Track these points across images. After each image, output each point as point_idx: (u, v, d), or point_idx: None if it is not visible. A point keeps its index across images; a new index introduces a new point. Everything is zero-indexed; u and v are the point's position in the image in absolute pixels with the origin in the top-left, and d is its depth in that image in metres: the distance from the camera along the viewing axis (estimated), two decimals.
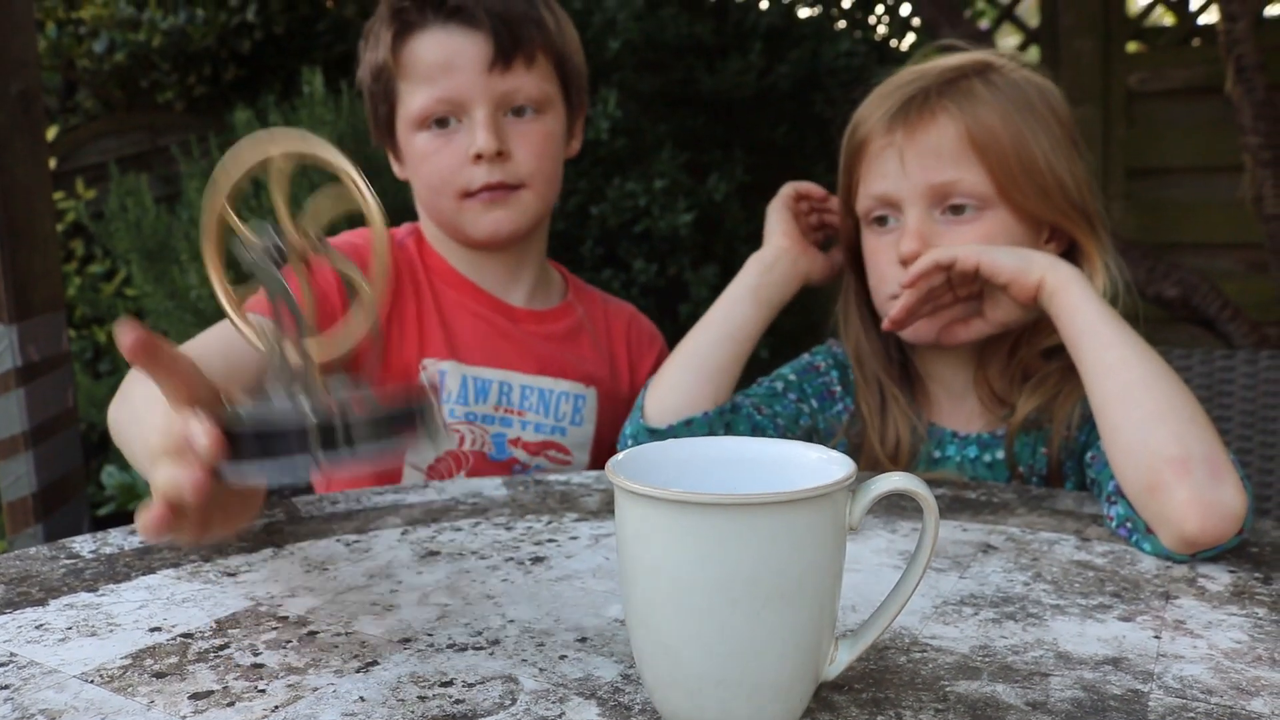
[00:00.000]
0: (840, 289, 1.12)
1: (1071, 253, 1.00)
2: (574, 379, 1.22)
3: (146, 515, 0.57)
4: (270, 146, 0.59)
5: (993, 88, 0.97)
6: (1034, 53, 3.37)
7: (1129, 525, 0.81)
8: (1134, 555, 0.79)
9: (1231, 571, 0.75)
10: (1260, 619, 0.66)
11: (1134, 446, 0.81)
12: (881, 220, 1.02)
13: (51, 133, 3.43)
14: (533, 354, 1.22)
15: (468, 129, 1.16)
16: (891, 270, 0.99)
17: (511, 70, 1.16)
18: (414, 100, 1.17)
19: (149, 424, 0.70)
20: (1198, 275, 2.14)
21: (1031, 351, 1.01)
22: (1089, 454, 0.94)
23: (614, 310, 1.33)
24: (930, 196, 0.97)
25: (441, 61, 1.16)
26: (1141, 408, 0.81)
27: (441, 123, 1.17)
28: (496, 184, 1.16)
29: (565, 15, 1.23)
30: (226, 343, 1.03)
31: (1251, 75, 1.91)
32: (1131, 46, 3.21)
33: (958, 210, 0.96)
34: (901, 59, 3.51)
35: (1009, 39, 3.90)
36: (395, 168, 1.26)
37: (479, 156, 1.15)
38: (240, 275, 0.60)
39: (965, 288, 0.97)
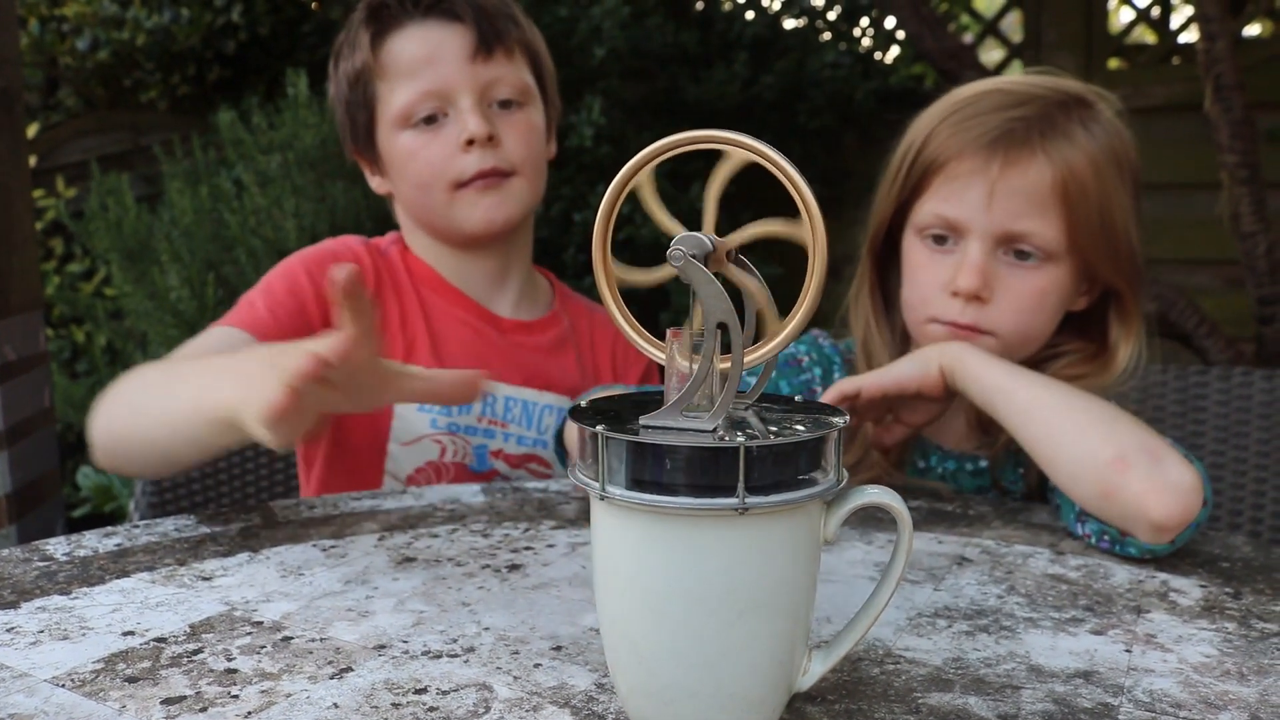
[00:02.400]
0: (854, 278, 1.10)
1: (1104, 302, 0.99)
2: (558, 392, 1.22)
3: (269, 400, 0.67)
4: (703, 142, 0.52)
5: (1090, 135, 0.95)
6: (1017, 68, 3.39)
7: (1107, 538, 0.82)
8: (1107, 569, 0.80)
9: (1202, 586, 0.76)
10: (1230, 633, 0.67)
11: (1074, 467, 0.83)
12: (940, 239, 0.98)
13: (32, 130, 3.41)
14: (518, 365, 1.21)
15: (455, 120, 1.16)
16: (939, 296, 0.97)
17: (493, 59, 1.17)
18: (397, 98, 1.17)
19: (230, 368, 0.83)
20: (1175, 291, 2.15)
21: None
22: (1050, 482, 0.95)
23: (600, 320, 1.32)
24: (1002, 238, 0.95)
25: (424, 55, 1.16)
26: (1066, 431, 0.85)
27: (428, 120, 1.16)
28: (490, 169, 1.16)
29: (529, 19, 1.25)
30: (221, 349, 1.05)
31: (1229, 94, 1.93)
32: (1113, 63, 3.24)
33: (1022, 255, 0.95)
34: (886, 72, 3.54)
35: (992, 53, 3.93)
36: (373, 181, 1.25)
37: (470, 143, 1.15)
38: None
39: (874, 411, 0.96)
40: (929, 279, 0.98)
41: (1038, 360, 0.99)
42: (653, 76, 2.75)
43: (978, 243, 0.94)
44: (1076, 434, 0.84)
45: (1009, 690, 0.59)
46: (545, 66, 1.25)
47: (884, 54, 3.53)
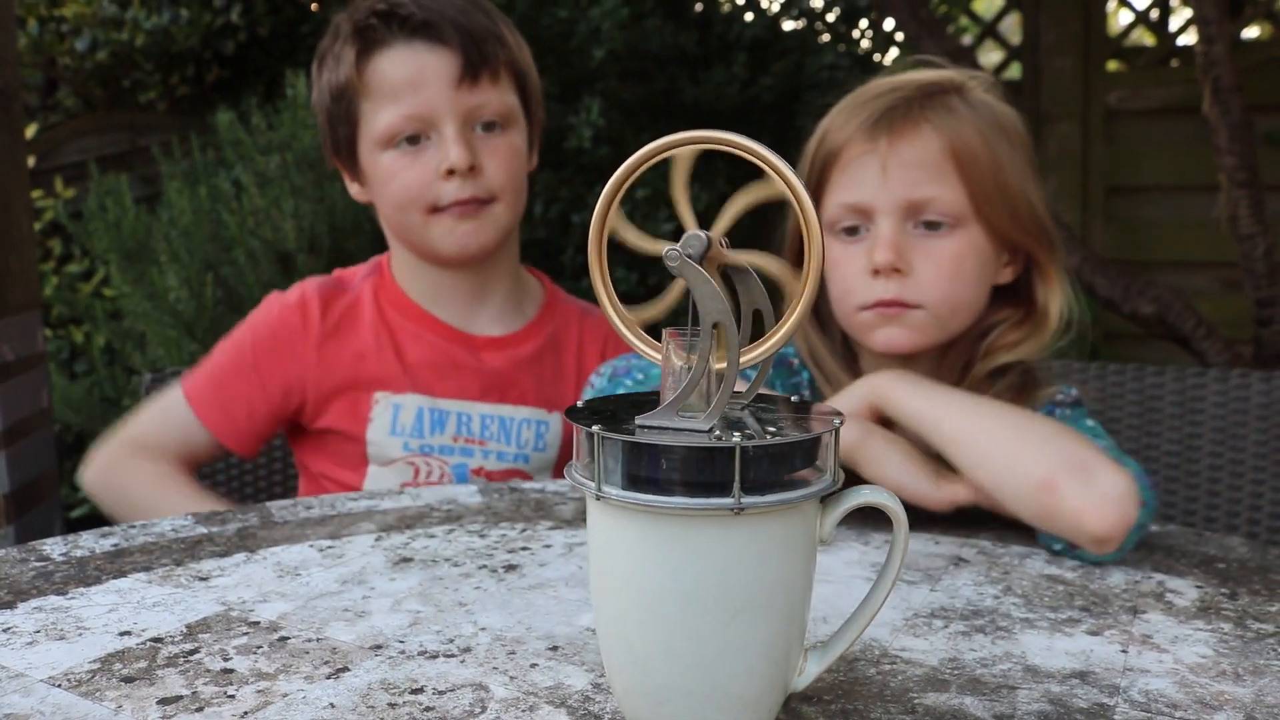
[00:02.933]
0: None
1: (1028, 272, 1.01)
2: (535, 405, 1.22)
3: None
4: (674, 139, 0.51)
5: (970, 106, 0.98)
6: (1015, 69, 3.40)
7: (1058, 545, 0.83)
8: (1103, 570, 0.80)
9: (1198, 587, 0.76)
10: (1225, 634, 0.67)
11: (1009, 491, 0.85)
12: (851, 230, 1.00)
13: (31, 130, 3.41)
14: (492, 383, 1.22)
15: (437, 145, 1.16)
16: (860, 281, 0.98)
17: (479, 85, 1.17)
18: (380, 119, 1.17)
19: None
20: (1173, 293, 2.16)
21: (984, 369, 1.01)
22: None
23: (591, 326, 1.31)
24: (907, 209, 0.96)
25: (409, 78, 1.16)
26: (994, 459, 0.86)
27: (410, 140, 1.17)
28: (468, 199, 1.16)
29: (518, 33, 1.25)
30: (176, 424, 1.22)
31: (1228, 97, 1.93)
32: (1111, 65, 3.24)
33: (932, 226, 0.96)
34: (884, 73, 3.54)
35: (991, 55, 3.93)
36: (352, 189, 1.26)
37: (451, 172, 1.15)
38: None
39: None
40: (848, 270, 0.99)
41: (973, 334, 0.99)
42: (651, 78, 2.75)
43: (885, 219, 0.95)
44: (1004, 460, 0.85)
45: (1005, 690, 0.59)
46: (531, 83, 1.25)
47: (883, 56, 3.54)
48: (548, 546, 0.83)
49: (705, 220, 0.53)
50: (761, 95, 2.75)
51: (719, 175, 2.51)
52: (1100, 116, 3.12)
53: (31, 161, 3.30)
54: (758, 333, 0.53)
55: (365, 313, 1.23)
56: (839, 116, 1.02)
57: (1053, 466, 0.82)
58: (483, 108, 1.17)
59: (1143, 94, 3.08)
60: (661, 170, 0.54)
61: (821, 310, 1.06)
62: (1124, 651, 0.64)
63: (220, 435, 1.21)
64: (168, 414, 1.23)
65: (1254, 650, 0.65)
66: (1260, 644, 0.66)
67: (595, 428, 0.49)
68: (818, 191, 1.03)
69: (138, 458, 1.20)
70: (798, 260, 0.47)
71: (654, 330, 0.53)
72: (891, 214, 0.96)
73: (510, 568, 0.78)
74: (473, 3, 1.20)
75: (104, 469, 1.23)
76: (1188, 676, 0.61)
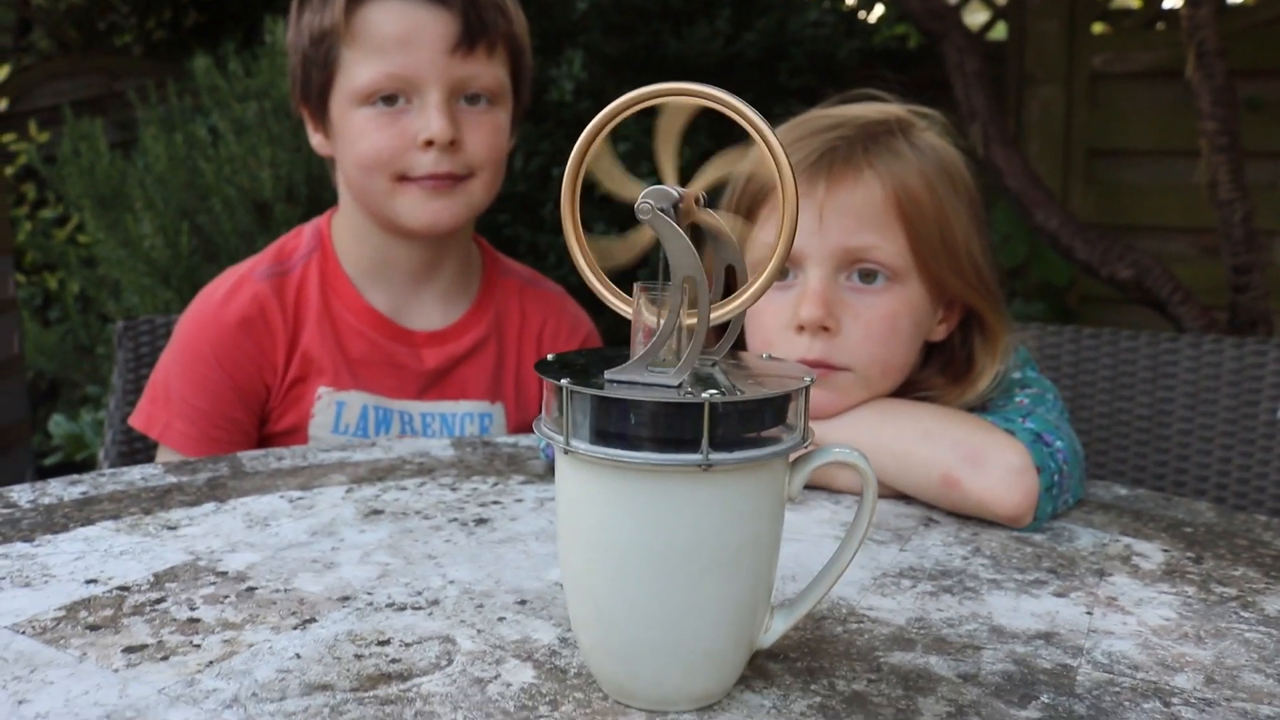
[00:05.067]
0: None
1: (968, 322, 0.95)
2: (477, 398, 1.19)
3: None
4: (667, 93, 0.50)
5: (916, 149, 0.91)
6: (1000, 30, 3.38)
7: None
8: (1071, 532, 0.80)
9: (1165, 550, 0.77)
10: (1190, 597, 0.68)
11: (922, 493, 0.85)
12: (779, 274, 0.92)
13: (3, 72, 3.35)
14: (432, 381, 1.18)
15: (418, 110, 1.10)
16: (783, 336, 0.89)
17: (473, 55, 1.11)
18: (361, 73, 1.10)
19: None
20: (1151, 258, 2.16)
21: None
22: None
23: (532, 304, 1.26)
24: (842, 258, 0.88)
25: (400, 34, 1.09)
26: (890, 471, 0.86)
27: (388, 100, 1.10)
28: (444, 174, 1.10)
29: (521, 8, 1.19)
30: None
31: (1211, 61, 1.93)
32: (1097, 28, 3.23)
33: (868, 277, 0.88)
34: (869, 31, 3.50)
35: (977, 15, 3.91)
36: (315, 139, 1.19)
37: (429, 143, 1.09)
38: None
39: None
40: (770, 319, 0.90)
41: (901, 395, 0.94)
42: (634, 31, 2.72)
43: (816, 269, 0.87)
44: (901, 469, 0.85)
45: (970, 650, 0.59)
46: (525, 63, 1.19)
47: (868, 13, 3.51)
48: (519, 501, 0.83)
49: (685, 176, 0.52)
50: (745, 51, 2.72)
51: (700, 131, 2.49)
52: (1085, 79, 3.11)
53: (4, 104, 3.24)
54: (731, 289, 0.53)
55: (310, 298, 1.16)
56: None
57: (946, 462, 0.82)
58: (473, 80, 1.12)
59: (1127, 57, 3.07)
60: (644, 124, 0.53)
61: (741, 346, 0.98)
62: (1089, 613, 0.65)
63: (197, 447, 1.13)
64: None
65: (1216, 613, 0.65)
66: (1223, 607, 0.66)
67: (564, 381, 0.49)
68: (751, 210, 0.94)
69: None
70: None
71: (624, 284, 0.53)
72: (824, 264, 0.87)
73: (481, 521, 0.78)
74: None
75: None
76: (1150, 638, 0.61)
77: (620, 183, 0.52)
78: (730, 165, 0.52)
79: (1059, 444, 0.84)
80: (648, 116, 0.51)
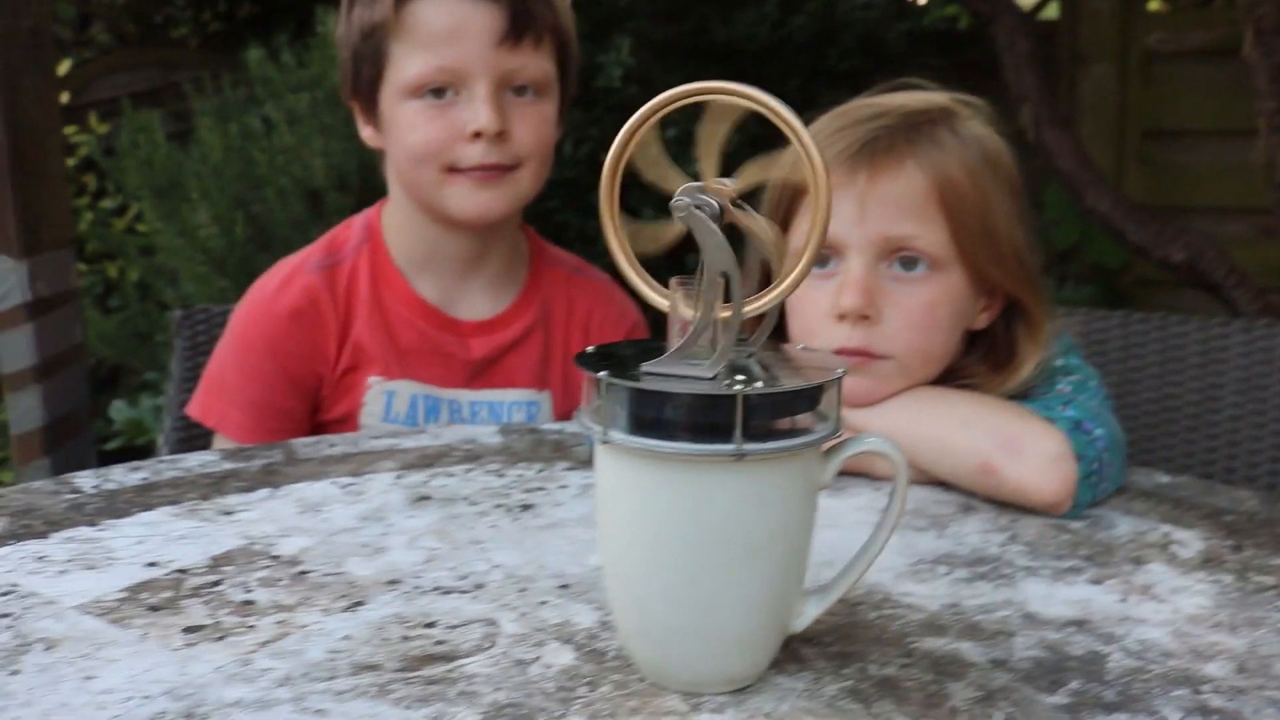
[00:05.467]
0: None
1: (1010, 310, 0.95)
2: (524, 386, 1.21)
3: None
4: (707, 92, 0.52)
5: (959, 139, 0.90)
6: (1053, 9, 3.33)
7: None
8: (1110, 520, 0.80)
9: (1204, 539, 0.77)
10: (1226, 585, 0.68)
11: (961, 481, 0.85)
12: (820, 261, 0.90)
13: (64, 66, 3.43)
14: (479, 370, 1.20)
15: (466, 102, 1.12)
16: (824, 325, 0.89)
17: (520, 47, 1.12)
18: (410, 66, 1.12)
19: None
20: (1205, 240, 2.13)
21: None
22: None
23: (579, 292, 1.27)
24: (883, 246, 0.88)
25: (449, 28, 1.11)
26: (926, 459, 0.86)
27: (437, 92, 1.12)
28: (492, 165, 1.12)
29: (566, 1, 1.20)
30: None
31: (1270, 39, 1.89)
32: (1153, 5, 3.18)
33: (909, 265, 0.88)
34: (919, 13, 3.46)
35: None
36: (364, 132, 1.21)
37: (478, 135, 1.11)
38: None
39: None
40: (811, 307, 0.90)
41: (940, 379, 0.93)
42: (682, 17, 2.72)
43: (857, 257, 0.88)
44: (939, 457, 0.86)
45: (1002, 636, 0.60)
46: (571, 55, 1.20)
47: None
48: (563, 487, 0.85)
49: (731, 165, 0.53)
50: (793, 35, 2.72)
51: (749, 117, 2.49)
52: (1139, 58, 3.06)
53: (66, 98, 3.32)
54: (767, 283, 0.54)
55: (361, 288, 1.19)
56: (816, 140, 0.94)
57: (984, 450, 0.83)
58: (520, 71, 1.13)
59: (1183, 35, 3.02)
60: (692, 111, 0.54)
61: (783, 336, 0.98)
62: (1123, 601, 0.65)
63: (258, 432, 1.16)
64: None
65: (1253, 602, 0.65)
66: (1260, 596, 0.66)
67: (602, 373, 0.51)
68: (787, 218, 0.94)
69: None
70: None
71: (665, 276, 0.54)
72: (864, 252, 0.88)
73: (526, 507, 0.80)
74: None
75: None
76: (1184, 626, 0.62)
77: (663, 174, 0.54)
78: (765, 171, 0.53)
79: (1099, 432, 0.84)
80: (688, 109, 0.53)
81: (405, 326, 1.19)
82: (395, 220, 1.22)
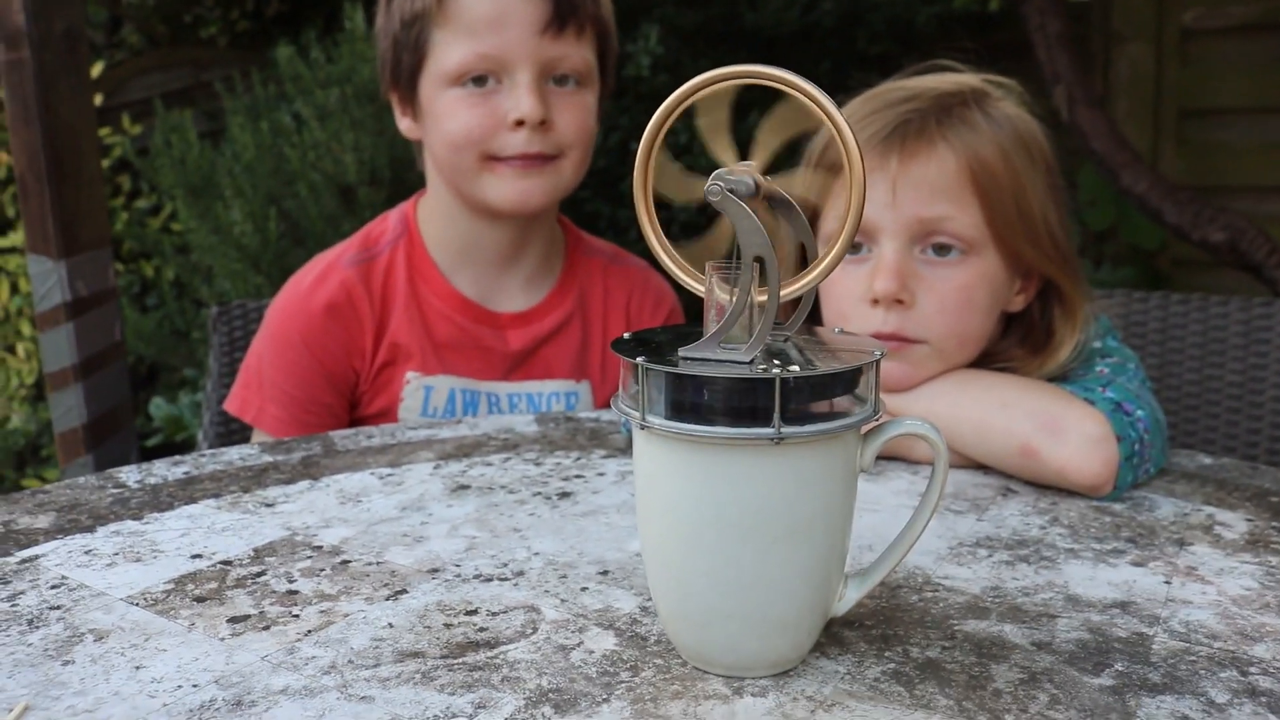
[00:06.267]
0: None
1: (1047, 293, 0.94)
2: (563, 377, 1.21)
3: None
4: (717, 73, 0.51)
5: (991, 120, 0.90)
6: None
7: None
8: (1152, 502, 0.80)
9: (1249, 520, 0.76)
10: (1273, 567, 0.67)
11: (1000, 463, 0.85)
12: (854, 247, 0.89)
13: (97, 69, 3.46)
14: (518, 362, 1.20)
15: (508, 91, 1.12)
16: (857, 309, 0.89)
17: (562, 36, 1.12)
18: (452, 53, 1.12)
19: None
20: (1245, 220, 2.10)
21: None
22: None
23: (616, 280, 1.28)
24: (916, 230, 0.88)
25: (491, 15, 1.11)
26: (968, 441, 0.86)
27: (479, 80, 1.12)
28: (535, 154, 1.12)
29: None
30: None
31: None
32: None
33: (942, 250, 0.88)
34: None
35: None
36: (402, 123, 1.21)
37: (520, 123, 1.11)
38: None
39: None
40: (844, 291, 0.90)
41: (977, 362, 0.93)
42: (709, 3, 2.71)
43: (891, 241, 0.87)
44: (979, 440, 0.85)
45: (1045, 619, 0.60)
46: (611, 46, 1.20)
47: None
48: (601, 474, 0.85)
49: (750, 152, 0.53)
50: (822, 20, 2.70)
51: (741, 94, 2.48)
52: (1175, 36, 3.02)
53: (99, 99, 3.35)
54: (804, 265, 0.54)
55: (397, 283, 1.19)
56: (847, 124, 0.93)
57: (1024, 434, 0.82)
58: (561, 60, 1.13)
59: (1221, 12, 2.97)
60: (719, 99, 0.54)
61: (816, 320, 0.98)
62: (1167, 583, 0.65)
63: (293, 427, 1.18)
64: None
65: None
66: None
67: (640, 359, 0.51)
68: (818, 205, 0.94)
69: None
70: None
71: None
72: (898, 236, 0.88)
73: (564, 495, 0.80)
74: None
75: None
76: (1230, 608, 0.61)
77: (679, 187, 0.54)
78: (780, 130, 0.52)
79: (1140, 413, 0.83)
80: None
81: (442, 321, 1.19)
82: (432, 213, 1.22)
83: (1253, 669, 0.54)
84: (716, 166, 0.52)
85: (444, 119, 1.14)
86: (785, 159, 0.52)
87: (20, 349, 3.32)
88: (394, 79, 1.19)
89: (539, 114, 1.11)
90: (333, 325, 1.17)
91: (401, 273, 1.20)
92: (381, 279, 1.19)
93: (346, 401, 1.20)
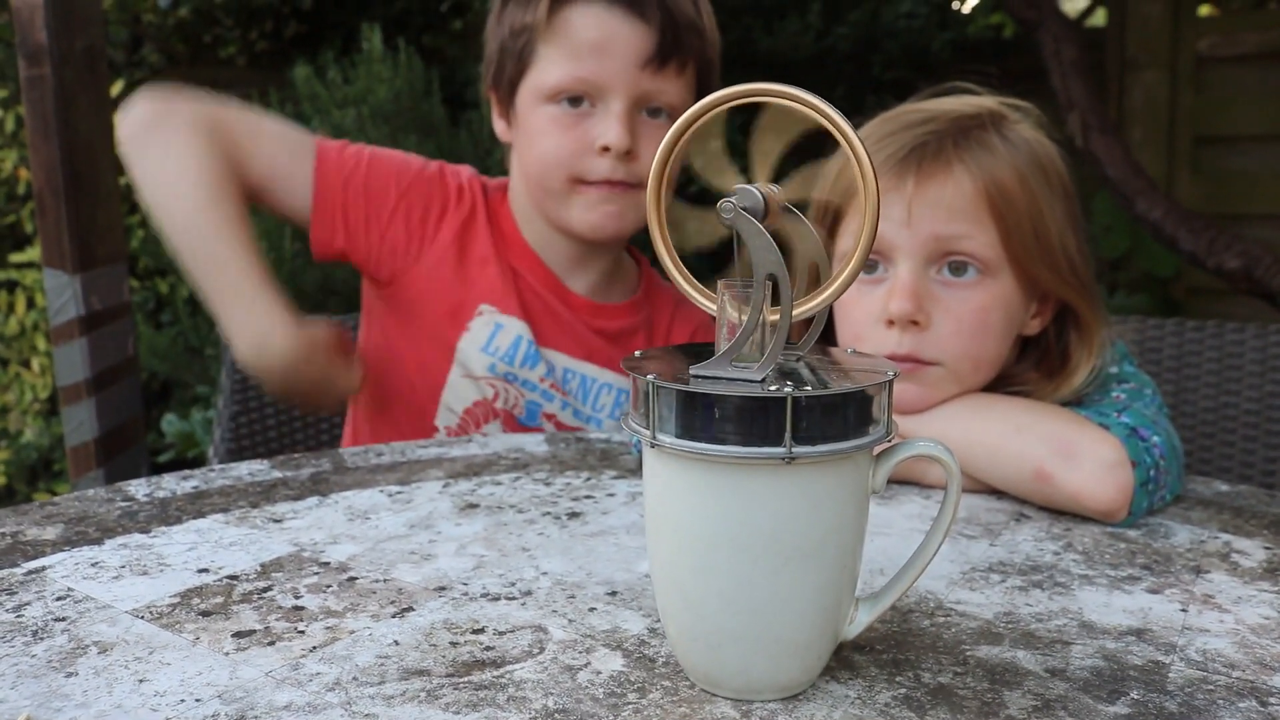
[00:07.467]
0: None
1: (1063, 317, 0.94)
2: (619, 372, 1.21)
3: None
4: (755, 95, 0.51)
5: (1008, 143, 0.89)
6: (1101, 15, 3.29)
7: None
8: (1168, 529, 0.79)
9: (1267, 548, 0.75)
10: None
11: (1014, 488, 0.85)
12: (869, 267, 0.90)
13: (117, 87, 3.49)
14: (581, 342, 1.21)
15: (601, 117, 1.13)
16: (873, 330, 0.88)
17: (663, 72, 1.13)
18: (552, 71, 1.13)
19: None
20: (1261, 247, 2.09)
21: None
22: None
23: (682, 317, 1.29)
24: (933, 249, 0.87)
25: (596, 41, 1.12)
26: (981, 465, 0.85)
27: (574, 101, 1.13)
28: (618, 181, 1.13)
29: (715, 26, 1.20)
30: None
31: None
32: (1204, 10, 3.13)
33: (958, 270, 0.87)
34: (963, 22, 3.44)
35: (1075, 1, 3.81)
36: (498, 126, 1.23)
37: (606, 149, 1.12)
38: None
39: None
40: (859, 313, 0.90)
41: (991, 385, 0.93)
42: (725, 28, 2.72)
43: (907, 261, 0.87)
44: (992, 464, 0.85)
45: (1059, 645, 0.59)
46: (711, 87, 1.18)
47: (961, 3, 3.45)
48: (611, 495, 0.85)
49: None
50: (837, 45, 2.71)
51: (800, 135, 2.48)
52: (1189, 64, 3.02)
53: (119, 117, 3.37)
54: (816, 285, 0.53)
55: (482, 216, 1.21)
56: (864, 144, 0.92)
57: (1038, 459, 0.82)
58: (657, 94, 1.13)
59: (1235, 39, 2.97)
60: (736, 120, 0.54)
61: (830, 340, 0.97)
62: (1184, 610, 0.64)
63: (319, 208, 1.17)
64: (279, 138, 1.20)
65: None
66: None
67: (650, 376, 0.50)
68: (833, 225, 0.94)
69: (205, 135, 1.12)
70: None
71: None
72: (914, 256, 0.87)
73: (573, 515, 0.80)
74: None
75: (156, 120, 1.16)
76: (1248, 637, 0.60)
77: (721, 173, 0.54)
78: (809, 185, 0.52)
79: (1155, 439, 0.82)
80: (741, 114, 0.52)
81: (527, 276, 1.21)
82: (519, 201, 1.24)
83: (1272, 699, 0.53)
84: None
85: (537, 136, 1.15)
86: (790, 162, 0.52)
87: (35, 364, 3.34)
88: (495, 83, 1.21)
89: (625, 144, 1.12)
90: (435, 189, 1.21)
91: (484, 212, 1.23)
92: (483, 202, 1.23)
93: (370, 246, 1.20)
